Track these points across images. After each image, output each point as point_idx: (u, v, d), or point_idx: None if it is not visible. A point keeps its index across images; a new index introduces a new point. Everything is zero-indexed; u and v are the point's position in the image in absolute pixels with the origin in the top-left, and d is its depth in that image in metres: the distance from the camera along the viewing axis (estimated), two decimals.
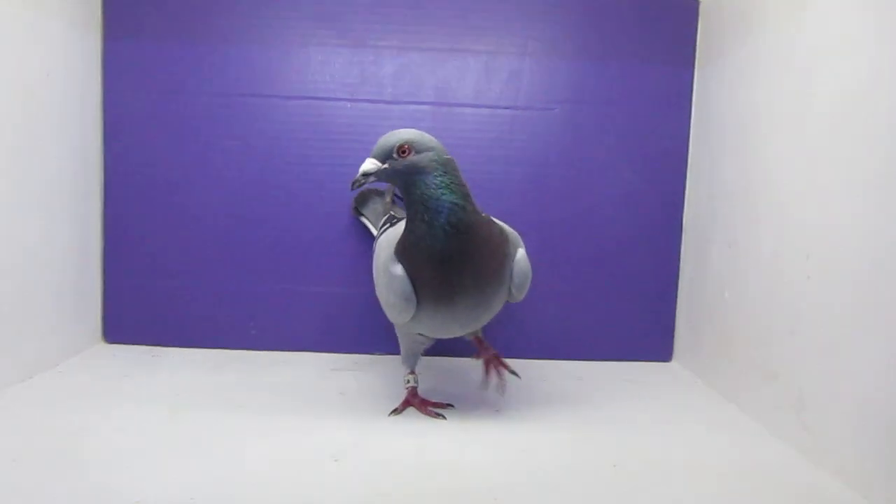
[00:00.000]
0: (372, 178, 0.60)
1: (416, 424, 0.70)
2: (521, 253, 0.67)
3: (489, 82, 0.97)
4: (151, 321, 0.95)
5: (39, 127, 0.82)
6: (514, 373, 0.76)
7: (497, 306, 0.68)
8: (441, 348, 0.80)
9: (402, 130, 0.60)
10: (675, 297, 1.00)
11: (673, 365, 0.99)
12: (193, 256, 0.95)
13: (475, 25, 0.96)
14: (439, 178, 0.58)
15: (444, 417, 0.69)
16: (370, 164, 0.59)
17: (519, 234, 0.73)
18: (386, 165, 0.59)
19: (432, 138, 0.62)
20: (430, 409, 0.71)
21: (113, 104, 0.94)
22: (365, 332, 0.95)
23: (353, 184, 0.60)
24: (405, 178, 0.59)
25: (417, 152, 0.58)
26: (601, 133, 0.97)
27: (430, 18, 0.96)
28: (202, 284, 0.95)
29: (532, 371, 0.90)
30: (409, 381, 0.73)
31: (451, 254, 0.58)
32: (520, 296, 0.69)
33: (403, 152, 0.58)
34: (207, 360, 0.90)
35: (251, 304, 0.96)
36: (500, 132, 0.97)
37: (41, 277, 0.82)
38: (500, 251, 0.63)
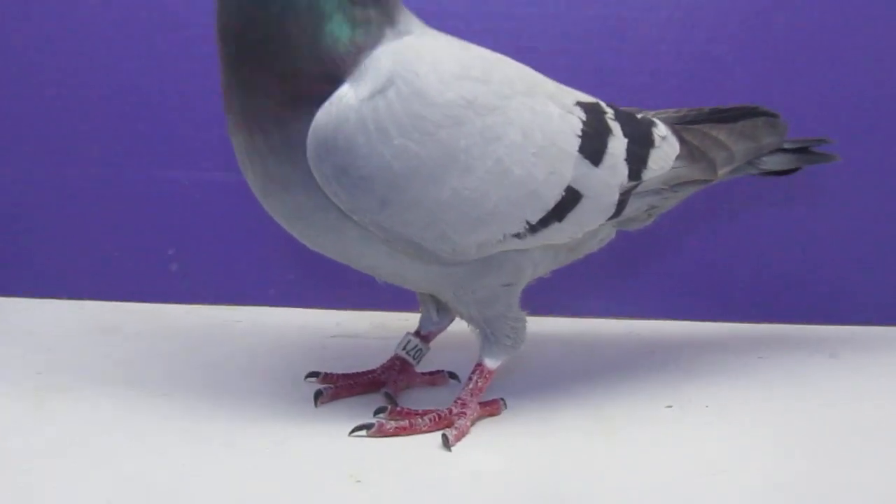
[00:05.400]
0: None
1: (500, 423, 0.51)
2: (343, 93, 0.42)
3: None
4: None
5: None
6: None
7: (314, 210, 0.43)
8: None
9: None
10: None
11: None
12: (54, 146, 0.66)
13: None
14: None
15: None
16: None
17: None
18: None
19: None
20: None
21: None
22: None
23: None
24: None
25: None
26: None
27: None
28: (73, 193, 0.67)
29: (752, 343, 0.66)
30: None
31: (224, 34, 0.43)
32: (340, 200, 0.42)
33: None
34: (93, 318, 0.67)
35: (166, 218, 0.68)
36: None
37: None
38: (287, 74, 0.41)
